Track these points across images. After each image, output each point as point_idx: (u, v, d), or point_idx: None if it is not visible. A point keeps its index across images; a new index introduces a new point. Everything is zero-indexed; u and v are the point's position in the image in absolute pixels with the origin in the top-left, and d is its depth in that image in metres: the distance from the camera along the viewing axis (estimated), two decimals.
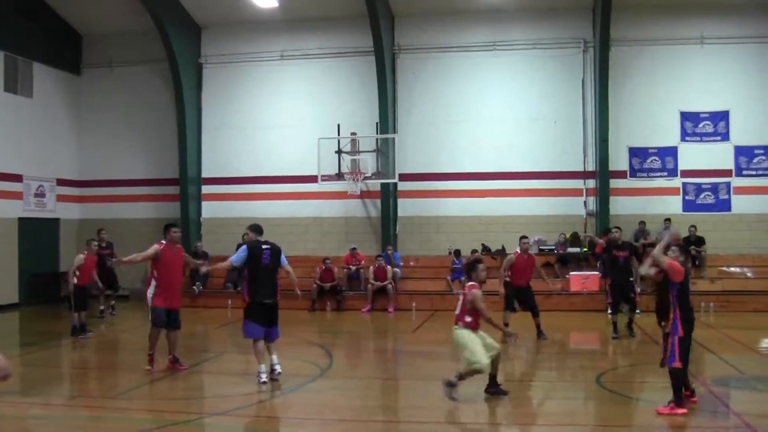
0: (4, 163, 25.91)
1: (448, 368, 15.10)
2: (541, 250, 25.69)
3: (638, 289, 19.40)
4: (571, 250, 25.43)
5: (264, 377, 12.32)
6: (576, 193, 26.41)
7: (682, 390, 10.34)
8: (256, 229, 13.52)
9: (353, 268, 25.49)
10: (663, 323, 10.66)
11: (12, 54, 26.33)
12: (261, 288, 12.84)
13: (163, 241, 13.88)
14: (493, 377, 11.30)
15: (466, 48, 26.99)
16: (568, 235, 25.77)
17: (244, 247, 12.96)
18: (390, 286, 24.46)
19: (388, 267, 24.79)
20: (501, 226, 26.17)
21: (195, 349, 18.09)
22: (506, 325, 16.74)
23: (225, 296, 25.62)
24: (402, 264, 26.02)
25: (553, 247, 25.66)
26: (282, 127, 28.00)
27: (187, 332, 21.04)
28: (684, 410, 10.26)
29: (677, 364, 10.21)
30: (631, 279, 18.38)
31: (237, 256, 12.85)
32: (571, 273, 24.53)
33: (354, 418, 10.74)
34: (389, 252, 25.61)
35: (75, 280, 18.41)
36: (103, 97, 29.57)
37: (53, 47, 28.53)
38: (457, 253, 25.29)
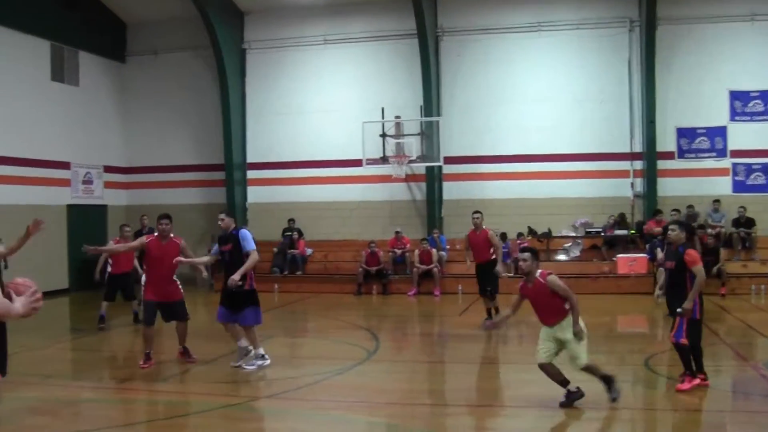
0: (52, 151, 26.23)
1: (494, 352, 15.12)
2: (587, 232, 25.52)
3: None
4: (618, 232, 25.13)
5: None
6: (623, 174, 26.04)
7: (690, 362, 10.56)
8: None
9: (398, 251, 25.45)
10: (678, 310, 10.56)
11: (58, 43, 26.56)
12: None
13: (155, 234, 13.41)
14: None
15: (509, 29, 26.71)
16: (615, 217, 25.46)
17: (247, 231, 12.81)
18: (435, 269, 24.40)
19: (434, 250, 24.73)
20: (547, 209, 25.95)
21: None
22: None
23: (271, 280, 25.68)
24: (448, 247, 25.92)
25: (600, 230, 25.40)
26: (326, 111, 27.96)
27: None
28: (698, 380, 10.50)
29: (684, 341, 10.46)
30: None
31: (252, 242, 12.59)
32: (619, 255, 24.26)
33: (401, 401, 10.73)
34: (435, 235, 25.52)
35: (109, 269, 18.35)
36: (148, 84, 29.79)
37: (98, 36, 28.75)
38: (503, 236, 25.16)
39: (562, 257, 25.60)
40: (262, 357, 12.39)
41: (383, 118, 25.88)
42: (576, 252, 25.52)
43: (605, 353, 15.00)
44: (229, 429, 9.49)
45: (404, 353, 15.58)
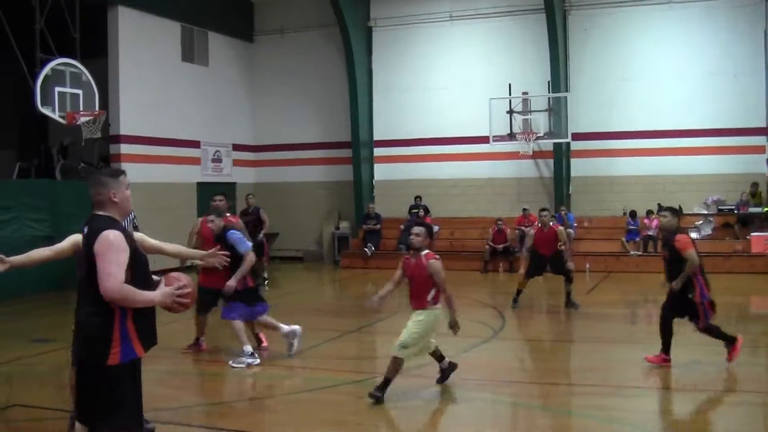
0: (183, 130, 26.92)
1: (622, 331, 14.94)
2: (720, 210, 24.92)
3: None
4: (752, 210, 24.47)
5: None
6: (757, 150, 25.24)
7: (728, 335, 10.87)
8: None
9: (526, 229, 25.28)
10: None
11: (188, 25, 27.21)
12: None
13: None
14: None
15: (639, 2, 26.14)
16: (748, 194, 24.78)
17: (236, 232, 11.65)
18: (563, 247, 24.12)
19: (561, 228, 24.46)
20: (677, 186, 25.42)
21: (368, 309, 18.33)
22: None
23: (397, 257, 25.73)
24: (576, 225, 25.66)
25: (733, 207, 24.76)
26: (452, 87, 27.90)
27: (360, 293, 21.50)
28: (738, 345, 10.76)
29: (712, 320, 10.70)
30: None
31: (246, 243, 11.66)
32: (753, 234, 23.64)
33: (525, 380, 10.73)
34: (563, 212, 25.26)
35: None
36: (275, 63, 30.27)
37: (226, 16, 29.37)
38: (633, 213, 24.79)
39: (693, 235, 24.87)
40: (252, 355, 11.53)
41: (510, 94, 25.74)
42: (708, 230, 24.94)
43: (738, 334, 14.71)
44: (356, 405, 9.54)
45: (530, 331, 15.50)
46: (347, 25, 27.80)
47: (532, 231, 17.67)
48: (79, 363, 5.70)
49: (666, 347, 10.80)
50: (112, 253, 5.37)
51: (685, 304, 10.64)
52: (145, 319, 5.60)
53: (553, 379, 10.86)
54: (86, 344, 5.52)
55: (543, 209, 17.75)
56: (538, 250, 17.10)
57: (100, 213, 5.68)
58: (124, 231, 5.54)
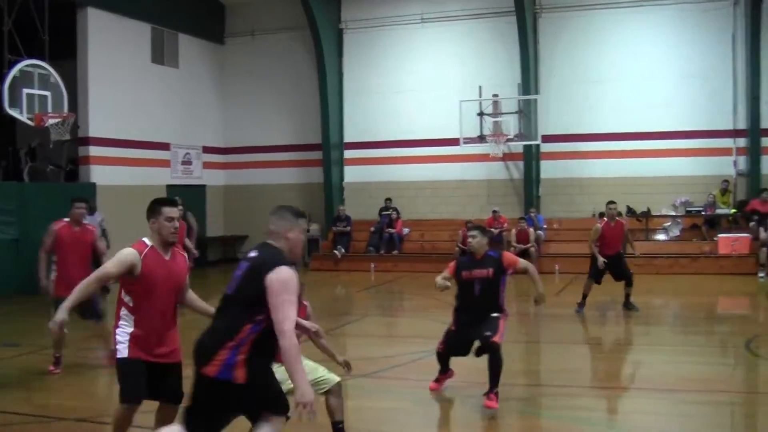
0: (153, 132, 26.84)
1: (589, 332, 15.01)
2: (687, 211, 25.11)
3: None
4: (720, 211, 24.69)
5: None
6: (725, 152, 25.47)
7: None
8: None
9: (496, 230, 25.36)
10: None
11: (158, 26, 27.12)
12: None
13: (66, 219, 11.42)
14: None
15: (609, 5, 26.28)
16: (716, 194, 24.97)
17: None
18: (533, 248, 24.25)
19: (531, 229, 24.60)
20: (646, 188, 25.55)
21: (337, 312, 18.37)
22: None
23: (368, 259, 25.91)
24: (545, 226, 25.78)
25: (701, 209, 24.94)
26: (423, 90, 27.92)
27: (330, 295, 21.50)
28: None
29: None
30: None
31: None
32: (720, 235, 23.82)
33: None
34: (532, 214, 25.37)
35: None
36: (246, 65, 30.17)
37: (197, 18, 29.25)
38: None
39: (661, 236, 25.28)
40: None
41: (480, 96, 25.84)
42: (676, 231, 25.16)
43: (705, 334, 14.85)
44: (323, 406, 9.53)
45: None
46: (318, 27, 27.76)
47: (598, 225, 16.40)
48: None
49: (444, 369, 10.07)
50: (289, 294, 5.50)
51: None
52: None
53: (522, 380, 10.89)
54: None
55: (610, 202, 16.93)
56: (603, 249, 16.11)
57: (273, 243, 5.86)
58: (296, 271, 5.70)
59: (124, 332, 6.69)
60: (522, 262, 9.75)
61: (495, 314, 9.46)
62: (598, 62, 26.45)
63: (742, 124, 25.29)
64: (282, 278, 5.49)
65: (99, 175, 24.22)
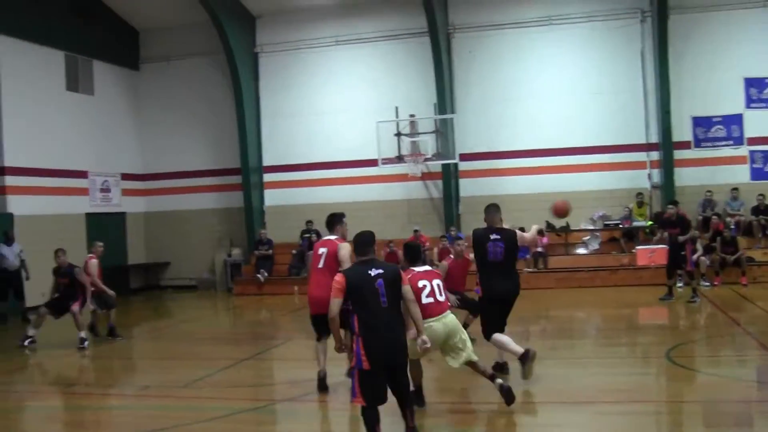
0: (70, 160, 26.45)
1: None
2: (606, 225, 25.45)
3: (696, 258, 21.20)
4: (636, 224, 25.07)
5: None
6: (640, 165, 25.96)
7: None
8: None
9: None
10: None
11: (72, 53, 26.77)
12: None
13: None
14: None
15: (520, 24, 26.67)
16: (633, 207, 25.34)
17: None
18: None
19: (452, 247, 24.65)
20: None
21: (262, 336, 18.26)
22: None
23: (291, 282, 25.79)
24: (467, 244, 25.84)
25: (618, 222, 25.31)
26: (340, 112, 27.99)
27: (254, 320, 21.37)
28: None
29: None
30: (683, 253, 19.43)
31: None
32: (638, 247, 24.17)
33: (437, 401, 10.64)
34: (452, 232, 25.47)
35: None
36: (162, 91, 29.96)
37: (111, 44, 28.93)
38: (522, 230, 25.08)
39: (581, 251, 25.58)
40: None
41: (397, 117, 25.91)
42: (595, 245, 25.50)
43: (627, 345, 15.05)
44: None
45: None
46: (233, 51, 27.69)
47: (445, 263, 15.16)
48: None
49: None
50: None
51: None
52: None
53: (446, 398, 10.89)
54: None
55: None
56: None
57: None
58: None
59: None
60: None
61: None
62: (513, 80, 26.77)
63: (654, 138, 25.78)
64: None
65: (16, 205, 23.78)
